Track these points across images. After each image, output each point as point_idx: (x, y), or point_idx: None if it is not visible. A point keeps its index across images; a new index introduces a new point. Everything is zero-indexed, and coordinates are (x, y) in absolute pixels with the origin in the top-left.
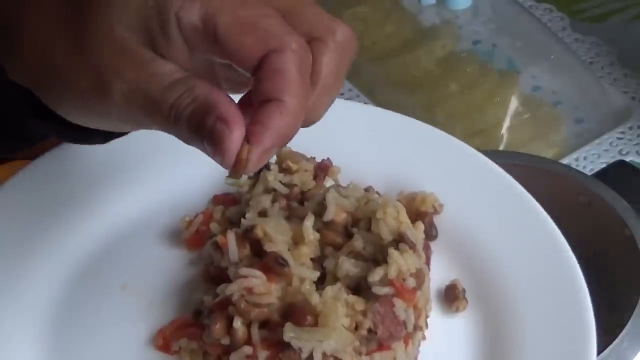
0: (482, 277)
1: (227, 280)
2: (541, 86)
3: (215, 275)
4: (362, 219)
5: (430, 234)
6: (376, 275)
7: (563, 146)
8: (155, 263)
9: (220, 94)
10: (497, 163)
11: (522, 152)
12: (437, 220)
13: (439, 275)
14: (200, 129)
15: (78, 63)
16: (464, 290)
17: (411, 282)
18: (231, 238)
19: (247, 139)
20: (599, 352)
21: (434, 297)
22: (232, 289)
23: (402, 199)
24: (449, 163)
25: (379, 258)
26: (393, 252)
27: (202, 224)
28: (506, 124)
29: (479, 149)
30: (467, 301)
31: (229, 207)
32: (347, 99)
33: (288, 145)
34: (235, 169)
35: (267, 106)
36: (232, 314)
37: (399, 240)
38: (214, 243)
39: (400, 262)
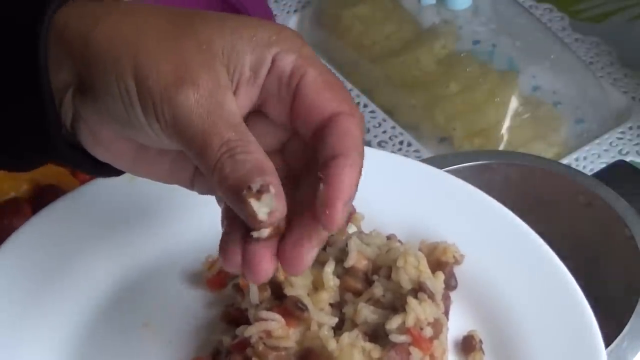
0: (499, 330)
1: (247, 322)
2: (541, 86)
3: (235, 316)
4: (383, 266)
5: (450, 284)
6: (394, 323)
7: (563, 146)
8: (177, 302)
9: (271, 163)
10: (497, 163)
11: (522, 152)
12: (458, 271)
13: (457, 325)
14: (244, 184)
15: (163, 48)
16: (481, 342)
17: (428, 331)
18: None
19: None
20: None
21: (451, 347)
22: (251, 331)
23: (423, 248)
24: (471, 214)
25: (397, 306)
26: (412, 301)
27: None
28: (506, 124)
29: (478, 149)
30: (483, 352)
31: None
32: None
33: None
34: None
35: (338, 159)
36: (250, 356)
37: (418, 289)
38: (235, 285)
39: (419, 310)
